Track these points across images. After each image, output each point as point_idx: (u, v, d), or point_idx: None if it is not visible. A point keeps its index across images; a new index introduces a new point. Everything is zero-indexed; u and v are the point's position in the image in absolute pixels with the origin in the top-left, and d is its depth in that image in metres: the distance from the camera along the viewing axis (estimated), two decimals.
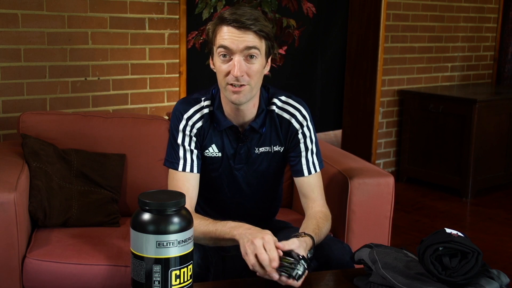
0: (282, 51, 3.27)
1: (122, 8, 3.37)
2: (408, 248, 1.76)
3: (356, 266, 1.74)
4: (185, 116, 1.85)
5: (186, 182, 1.83)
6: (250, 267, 1.53)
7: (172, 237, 1.33)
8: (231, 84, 1.72)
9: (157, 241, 1.33)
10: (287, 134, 1.89)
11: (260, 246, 1.51)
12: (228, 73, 1.72)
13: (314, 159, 1.91)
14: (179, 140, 1.85)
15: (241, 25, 1.68)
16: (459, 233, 1.51)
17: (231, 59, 1.71)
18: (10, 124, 3.08)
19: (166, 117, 2.71)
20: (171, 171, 1.87)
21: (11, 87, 3.09)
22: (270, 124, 1.88)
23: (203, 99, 1.87)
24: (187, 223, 1.36)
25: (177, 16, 3.58)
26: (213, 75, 4.34)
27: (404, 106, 4.94)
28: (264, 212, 2.06)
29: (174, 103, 3.66)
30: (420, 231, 3.78)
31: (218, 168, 1.90)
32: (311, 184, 1.90)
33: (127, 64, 3.45)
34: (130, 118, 2.65)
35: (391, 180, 2.32)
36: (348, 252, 1.81)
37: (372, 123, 4.78)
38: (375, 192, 2.28)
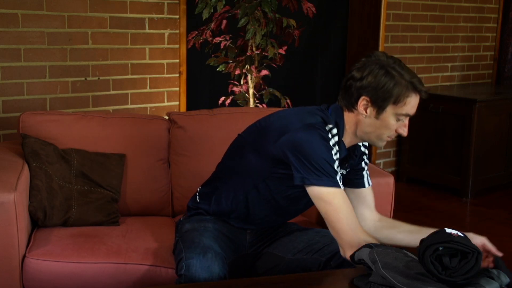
0: (282, 51, 3.27)
1: (122, 8, 3.37)
2: (408, 248, 1.76)
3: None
4: (331, 146, 1.81)
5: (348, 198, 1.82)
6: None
7: None
8: (389, 137, 1.84)
9: None
10: (356, 157, 1.97)
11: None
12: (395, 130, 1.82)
13: (368, 174, 2.05)
14: (336, 166, 1.79)
15: (425, 97, 1.80)
16: (459, 233, 1.52)
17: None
18: (10, 124, 3.08)
19: (166, 117, 2.70)
20: (335, 190, 1.75)
21: (11, 87, 3.08)
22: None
23: (331, 126, 1.82)
24: None
25: (177, 16, 3.58)
26: (212, 75, 4.32)
27: None
28: (284, 219, 2.10)
29: (174, 103, 3.67)
30: None
31: (299, 189, 1.84)
32: (372, 195, 2.05)
33: (127, 64, 3.45)
34: (130, 118, 2.65)
35: (391, 180, 2.31)
36: None
37: None
38: (375, 192, 2.26)
